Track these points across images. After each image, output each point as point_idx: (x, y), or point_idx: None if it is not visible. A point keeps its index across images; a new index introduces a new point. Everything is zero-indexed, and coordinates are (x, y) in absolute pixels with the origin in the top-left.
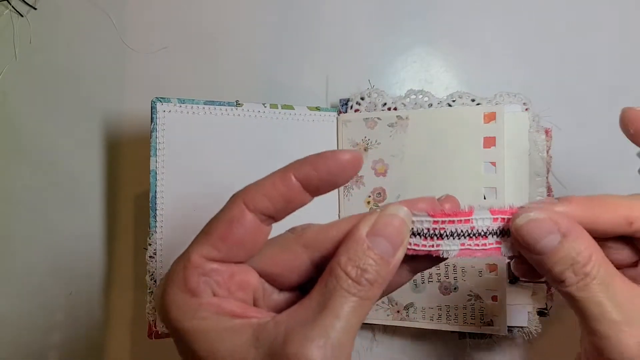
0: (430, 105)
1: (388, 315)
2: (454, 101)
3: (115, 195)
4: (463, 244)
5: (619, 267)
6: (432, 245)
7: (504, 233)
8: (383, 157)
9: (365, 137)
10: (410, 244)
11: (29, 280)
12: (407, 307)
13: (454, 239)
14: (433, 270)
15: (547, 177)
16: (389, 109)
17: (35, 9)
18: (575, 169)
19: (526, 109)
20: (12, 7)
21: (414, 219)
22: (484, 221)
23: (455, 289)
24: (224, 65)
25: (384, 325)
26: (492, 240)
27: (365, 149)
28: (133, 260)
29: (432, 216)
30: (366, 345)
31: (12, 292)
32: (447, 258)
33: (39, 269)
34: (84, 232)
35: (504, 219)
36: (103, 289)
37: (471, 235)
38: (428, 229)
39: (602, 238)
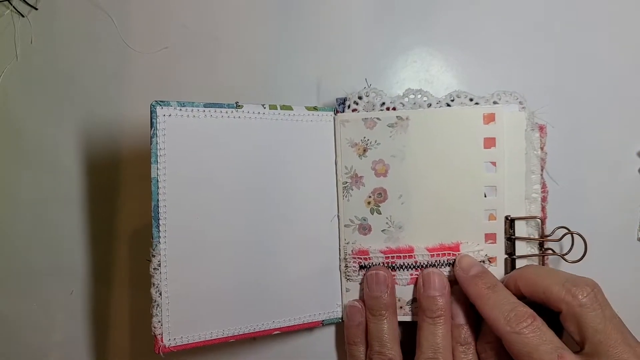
0: (429, 105)
1: None
2: (452, 100)
3: (116, 195)
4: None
5: None
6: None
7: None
8: (383, 157)
9: (365, 137)
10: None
11: (29, 279)
12: (410, 302)
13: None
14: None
15: (541, 175)
16: (388, 108)
17: (36, 9)
18: (570, 167)
19: (522, 108)
20: (13, 7)
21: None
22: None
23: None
24: (224, 64)
25: None
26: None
27: (365, 150)
28: (133, 259)
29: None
30: None
31: (12, 292)
32: None
33: (39, 269)
34: (84, 231)
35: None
36: (104, 287)
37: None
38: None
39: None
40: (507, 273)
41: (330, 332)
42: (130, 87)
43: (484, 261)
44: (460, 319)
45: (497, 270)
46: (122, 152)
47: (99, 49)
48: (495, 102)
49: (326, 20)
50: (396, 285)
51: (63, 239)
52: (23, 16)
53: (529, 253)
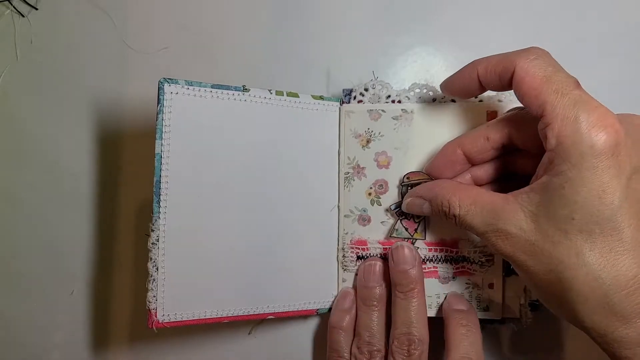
0: (434, 99)
1: None
2: None
3: (116, 195)
4: None
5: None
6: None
7: None
8: (386, 149)
9: (369, 128)
10: None
11: (29, 280)
12: None
13: None
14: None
15: None
16: (393, 101)
17: (36, 9)
18: None
19: None
20: (14, 7)
21: None
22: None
23: (454, 278)
24: (225, 64)
25: None
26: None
27: (368, 141)
28: (134, 259)
29: None
30: None
31: (12, 292)
32: None
33: (39, 269)
34: (84, 231)
35: None
36: (104, 287)
37: None
38: None
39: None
40: (503, 272)
41: (323, 321)
42: (130, 88)
43: (482, 261)
44: (461, 306)
45: (495, 269)
46: (123, 151)
47: (99, 49)
48: (499, 100)
49: (326, 21)
50: None
51: (63, 239)
52: (23, 16)
53: None
